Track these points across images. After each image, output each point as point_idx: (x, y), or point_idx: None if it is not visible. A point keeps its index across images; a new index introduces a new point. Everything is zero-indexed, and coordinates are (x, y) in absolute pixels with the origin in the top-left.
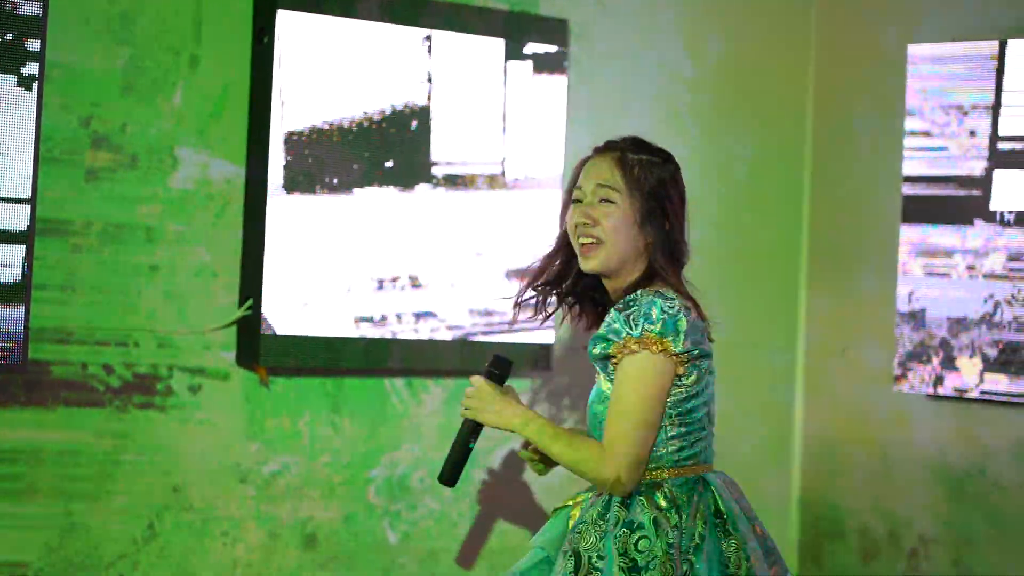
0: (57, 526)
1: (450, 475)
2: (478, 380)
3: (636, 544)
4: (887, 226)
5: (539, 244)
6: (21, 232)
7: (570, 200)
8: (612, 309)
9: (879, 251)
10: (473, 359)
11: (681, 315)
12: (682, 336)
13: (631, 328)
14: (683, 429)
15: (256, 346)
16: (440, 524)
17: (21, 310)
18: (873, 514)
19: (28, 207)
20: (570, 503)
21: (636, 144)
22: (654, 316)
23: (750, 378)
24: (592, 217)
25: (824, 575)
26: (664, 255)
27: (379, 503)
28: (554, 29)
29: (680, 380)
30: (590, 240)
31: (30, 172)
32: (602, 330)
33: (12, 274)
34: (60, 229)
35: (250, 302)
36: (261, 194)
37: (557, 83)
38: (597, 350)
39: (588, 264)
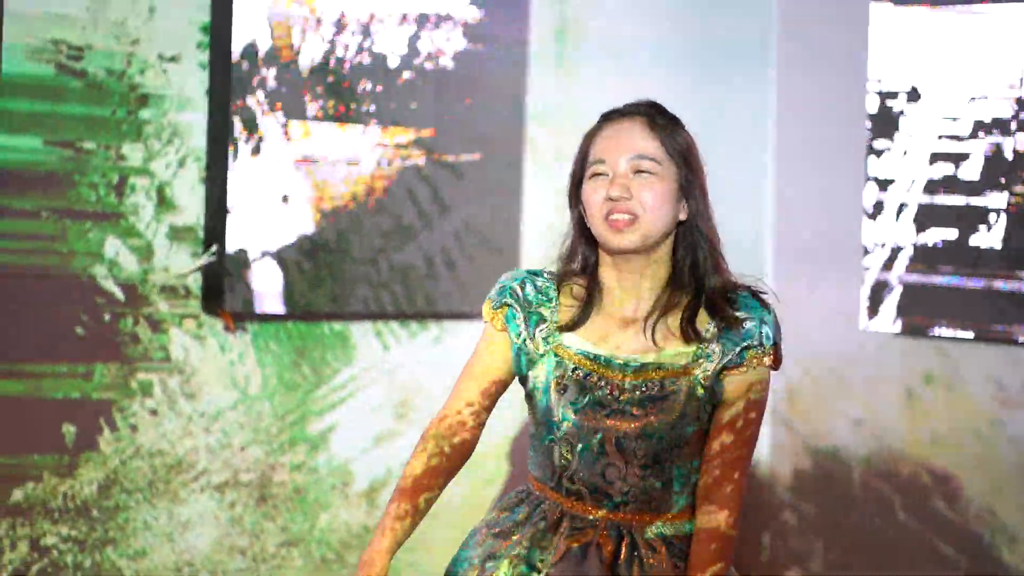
0: (11, 475)
1: None
2: None
3: None
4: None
5: None
6: None
7: (581, 178)
8: (754, 306)
9: (845, 185)
10: None
11: None
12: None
13: (776, 337)
14: None
15: (221, 292)
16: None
17: None
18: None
19: None
20: None
21: (657, 107)
22: (776, 326)
23: None
24: (629, 190)
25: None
26: (705, 232)
27: (340, 451)
28: None
29: None
30: (625, 217)
31: None
32: (745, 331)
33: None
34: (22, 174)
35: (214, 248)
36: (223, 140)
37: None
38: (735, 359)
39: (623, 240)
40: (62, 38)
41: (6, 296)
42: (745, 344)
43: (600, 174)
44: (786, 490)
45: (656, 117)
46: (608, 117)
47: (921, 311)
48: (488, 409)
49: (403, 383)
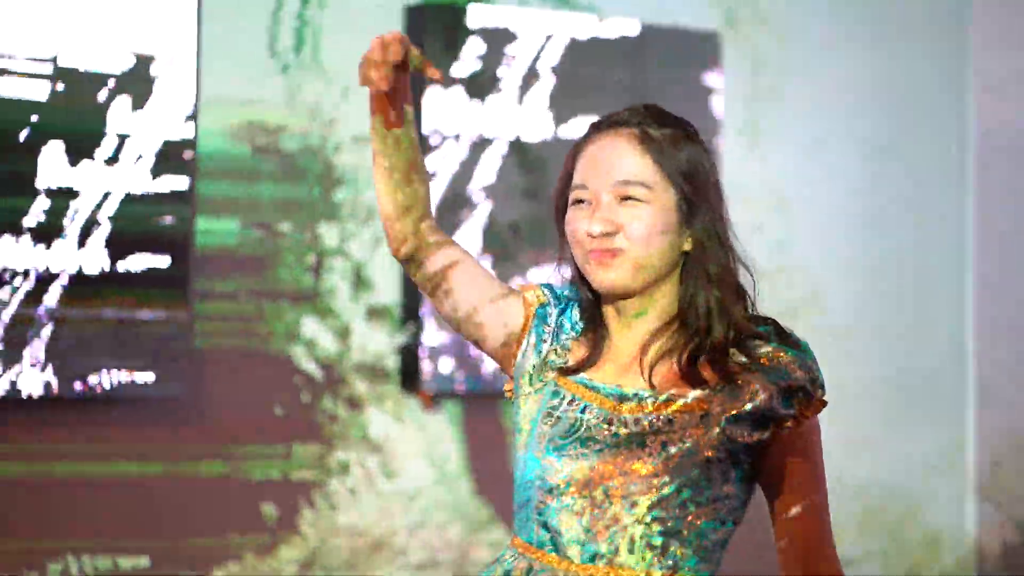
0: (212, 556)
1: None
2: None
3: None
4: None
5: None
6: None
7: (565, 200)
8: (782, 344)
9: None
10: None
11: None
12: None
13: (821, 378)
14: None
15: (418, 371)
16: None
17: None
18: None
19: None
20: None
21: (655, 115)
22: (818, 366)
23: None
24: (615, 223)
25: None
26: (713, 267)
27: None
28: None
29: None
30: (608, 250)
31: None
32: (782, 368)
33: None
34: (221, 257)
35: (411, 327)
36: None
37: None
38: (780, 407)
39: (610, 280)
40: (258, 120)
41: (207, 377)
42: (787, 384)
43: (582, 200)
44: (997, 567)
45: (650, 128)
46: (597, 127)
47: None
48: (449, 291)
49: None
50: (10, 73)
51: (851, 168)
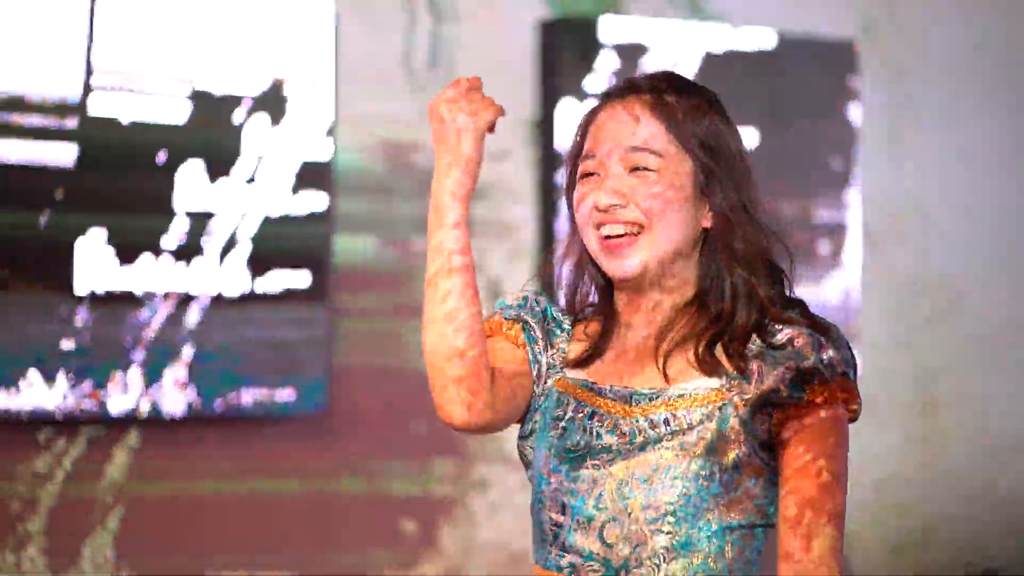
0: (351, 572)
1: None
2: None
3: None
4: None
5: None
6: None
7: (575, 173)
8: (801, 327)
9: None
10: None
11: None
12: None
13: (845, 365)
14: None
15: None
16: None
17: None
18: None
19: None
20: None
21: (673, 81)
22: (846, 352)
23: None
24: (623, 195)
25: None
26: (737, 246)
27: None
28: None
29: None
30: (623, 230)
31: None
32: (796, 350)
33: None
34: (357, 274)
35: None
36: (552, 234)
37: None
38: (788, 391)
39: (624, 266)
40: (393, 137)
41: (346, 394)
42: (797, 365)
43: (590, 173)
44: None
45: (665, 93)
46: (609, 96)
47: None
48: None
49: None
50: (148, 95)
51: (992, 174)
